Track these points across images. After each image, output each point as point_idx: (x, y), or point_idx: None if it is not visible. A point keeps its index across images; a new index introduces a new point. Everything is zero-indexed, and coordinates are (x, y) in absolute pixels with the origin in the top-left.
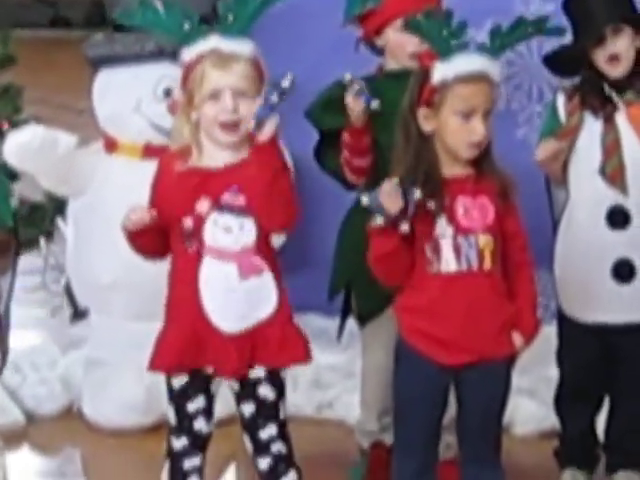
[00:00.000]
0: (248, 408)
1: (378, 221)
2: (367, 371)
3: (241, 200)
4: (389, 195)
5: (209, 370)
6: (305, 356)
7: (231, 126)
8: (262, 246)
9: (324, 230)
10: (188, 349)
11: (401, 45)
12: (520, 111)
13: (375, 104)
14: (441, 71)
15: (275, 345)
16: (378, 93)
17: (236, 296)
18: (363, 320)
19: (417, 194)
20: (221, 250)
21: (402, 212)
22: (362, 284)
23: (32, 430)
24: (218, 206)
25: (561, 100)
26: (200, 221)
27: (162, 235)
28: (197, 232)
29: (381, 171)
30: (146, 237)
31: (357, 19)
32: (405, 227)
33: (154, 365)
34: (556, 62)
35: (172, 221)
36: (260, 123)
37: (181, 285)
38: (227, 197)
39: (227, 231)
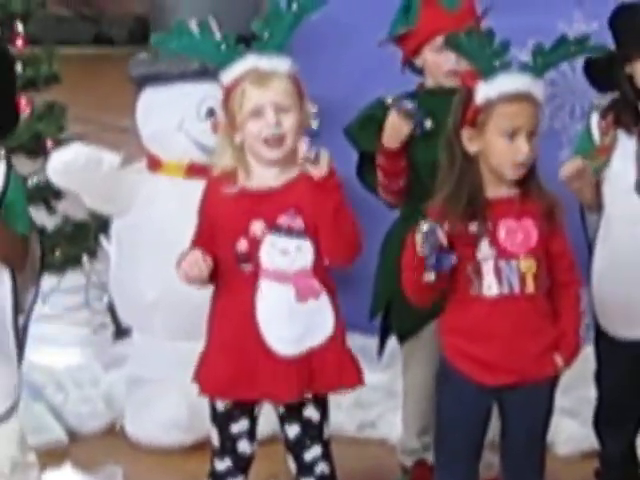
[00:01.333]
0: (293, 429)
1: (431, 277)
2: (407, 389)
3: (299, 222)
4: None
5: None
6: (358, 381)
7: (275, 141)
8: (319, 268)
9: (366, 248)
10: (240, 377)
11: (438, 64)
12: (563, 131)
13: (428, 124)
14: (484, 91)
15: (331, 370)
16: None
17: (293, 319)
18: (402, 338)
19: (454, 259)
20: (278, 272)
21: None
22: (401, 302)
23: (74, 448)
24: (274, 228)
25: (595, 119)
26: (256, 243)
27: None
28: (253, 254)
29: (417, 190)
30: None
31: (395, 40)
32: (431, 277)
33: (202, 388)
34: (595, 70)
35: (223, 244)
36: (314, 158)
37: (233, 306)
38: (284, 219)
39: (284, 253)
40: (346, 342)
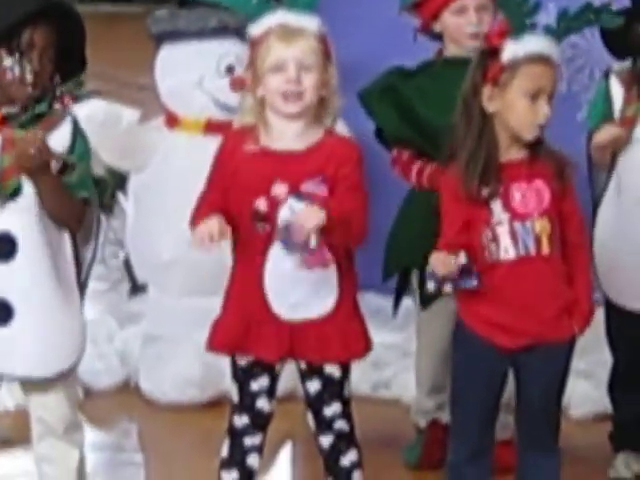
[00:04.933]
0: (314, 385)
1: (430, 287)
2: (421, 347)
3: (323, 190)
4: (441, 262)
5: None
6: (363, 352)
7: (293, 96)
8: None
9: (382, 210)
10: (244, 334)
11: (459, 27)
12: (582, 93)
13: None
14: (512, 49)
15: (331, 342)
16: (436, 79)
17: (297, 284)
18: (426, 303)
19: (462, 259)
20: None
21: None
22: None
23: (89, 404)
24: (297, 192)
25: (615, 85)
26: (275, 205)
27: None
28: (271, 215)
29: (434, 155)
30: None
31: (413, 7)
32: (448, 289)
33: (211, 345)
34: (611, 36)
35: (239, 201)
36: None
37: (245, 266)
38: (309, 185)
39: None
40: (357, 310)
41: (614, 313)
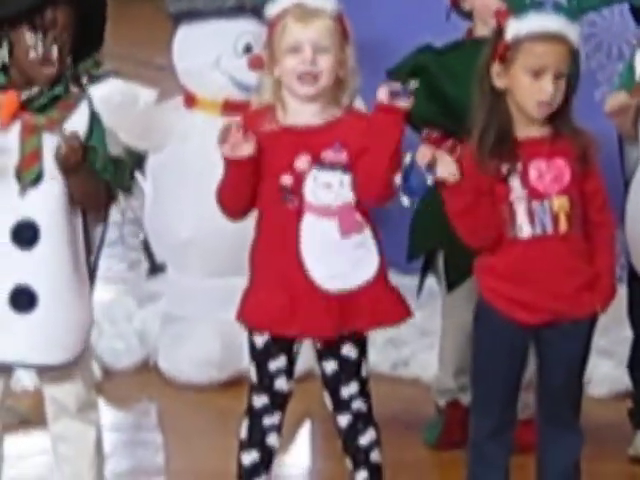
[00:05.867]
0: (330, 365)
1: (404, 202)
2: (447, 328)
3: (344, 156)
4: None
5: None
6: (407, 314)
7: (309, 77)
8: (361, 204)
9: None
10: (283, 313)
11: (486, 5)
12: (599, 70)
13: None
14: (514, 28)
15: (379, 306)
16: (465, 59)
17: (339, 253)
18: (452, 285)
19: (428, 180)
20: (322, 206)
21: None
22: (453, 250)
23: (108, 384)
24: (318, 162)
25: (639, 57)
26: (300, 178)
27: (253, 185)
28: (297, 189)
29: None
30: (244, 171)
31: None
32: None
33: (248, 323)
34: None
35: (266, 178)
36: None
37: (277, 242)
38: (329, 154)
39: (328, 187)
40: (389, 277)
41: (638, 286)
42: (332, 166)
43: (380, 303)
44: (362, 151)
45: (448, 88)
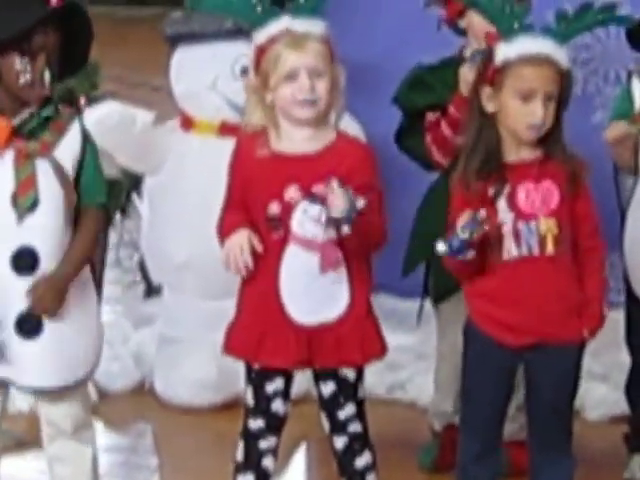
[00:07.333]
0: (328, 387)
1: (441, 248)
2: (444, 352)
3: None
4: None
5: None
6: (379, 353)
7: (309, 103)
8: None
9: (396, 211)
10: (260, 339)
11: (484, 27)
12: (596, 95)
13: None
14: (503, 51)
15: (348, 344)
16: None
17: (312, 288)
18: (438, 299)
19: (470, 255)
20: (307, 239)
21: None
22: (437, 264)
23: (104, 406)
24: (309, 195)
25: (637, 84)
26: (288, 208)
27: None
28: (284, 219)
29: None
30: None
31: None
32: (472, 254)
33: (227, 349)
34: (636, 33)
35: (254, 206)
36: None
37: (259, 269)
38: (321, 188)
39: (316, 221)
40: (370, 311)
41: (636, 310)
42: (323, 201)
43: (348, 342)
44: (357, 189)
45: (441, 92)
